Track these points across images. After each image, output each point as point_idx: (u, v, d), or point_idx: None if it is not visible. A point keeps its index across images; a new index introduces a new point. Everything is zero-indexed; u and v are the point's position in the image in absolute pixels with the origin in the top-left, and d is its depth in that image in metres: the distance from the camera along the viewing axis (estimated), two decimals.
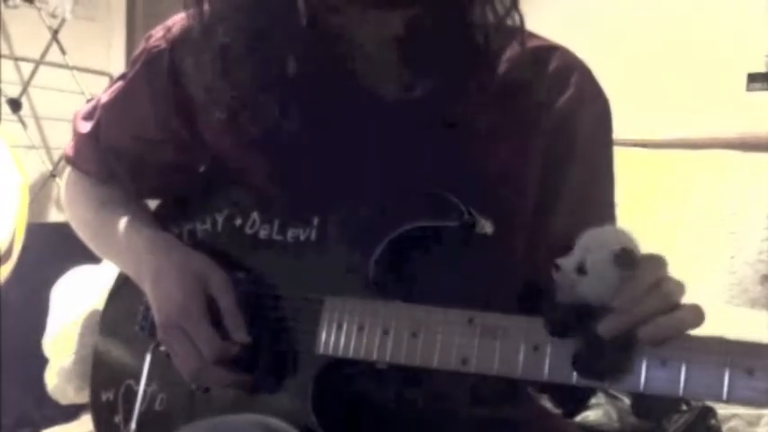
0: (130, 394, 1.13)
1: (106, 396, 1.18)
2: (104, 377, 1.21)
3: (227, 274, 1.04)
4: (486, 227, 0.96)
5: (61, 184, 1.32)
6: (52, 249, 2.58)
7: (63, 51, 3.41)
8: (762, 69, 2.97)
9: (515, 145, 1.06)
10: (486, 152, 1.04)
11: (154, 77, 1.12)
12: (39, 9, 3.41)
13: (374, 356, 0.95)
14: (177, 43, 1.11)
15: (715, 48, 2.97)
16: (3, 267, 2.56)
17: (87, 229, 1.23)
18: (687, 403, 2.16)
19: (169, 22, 1.15)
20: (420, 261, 0.99)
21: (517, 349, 0.87)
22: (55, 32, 3.45)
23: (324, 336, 0.98)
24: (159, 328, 1.03)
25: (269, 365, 1.01)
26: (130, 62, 1.18)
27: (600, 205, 1.11)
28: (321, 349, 0.98)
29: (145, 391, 1.11)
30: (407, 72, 1.05)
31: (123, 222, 1.16)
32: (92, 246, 1.24)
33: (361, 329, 0.96)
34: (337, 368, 0.99)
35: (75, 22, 3.48)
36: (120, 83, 1.19)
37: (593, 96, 1.09)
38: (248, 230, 1.09)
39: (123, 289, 1.23)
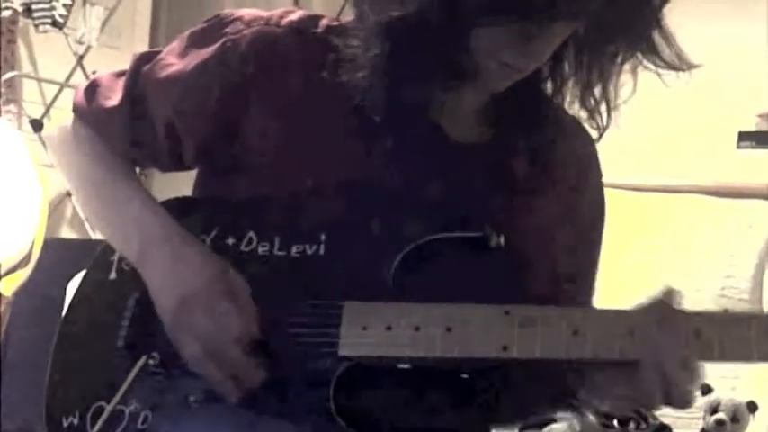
0: (101, 417, 1.06)
1: (69, 421, 1.09)
2: (67, 399, 1.11)
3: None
4: (500, 241, 1.03)
5: (53, 135, 1.26)
6: (63, 265, 2.66)
7: (87, 77, 3.54)
8: (752, 128, 3.11)
9: (548, 207, 1.14)
10: (521, 203, 1.12)
11: (225, 70, 1.09)
12: (66, 35, 3.56)
13: (406, 353, 0.97)
14: (257, 43, 1.09)
15: (708, 107, 3.10)
16: (20, 272, 2.65)
17: (90, 187, 1.19)
18: (645, 420, 2.25)
19: (245, 15, 1.12)
20: (436, 271, 1.03)
21: (559, 334, 0.94)
22: (80, 58, 3.59)
23: (346, 337, 0.99)
24: (172, 305, 1.02)
25: (286, 372, 1.01)
26: (191, 38, 1.15)
27: (589, 269, 1.21)
28: (344, 351, 0.99)
29: (122, 411, 1.05)
30: (483, 123, 1.12)
31: (140, 199, 1.13)
32: (88, 204, 1.19)
33: (390, 329, 0.97)
34: (358, 370, 1.00)
35: (99, 50, 3.62)
36: (175, 61, 1.14)
37: (600, 184, 1.22)
38: (244, 248, 1.07)
39: (87, 302, 1.17)
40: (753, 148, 3.07)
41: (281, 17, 1.11)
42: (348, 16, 1.09)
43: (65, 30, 3.52)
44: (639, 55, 1.03)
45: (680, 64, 1.03)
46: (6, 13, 3.36)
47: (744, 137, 3.09)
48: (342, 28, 1.08)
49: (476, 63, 1.01)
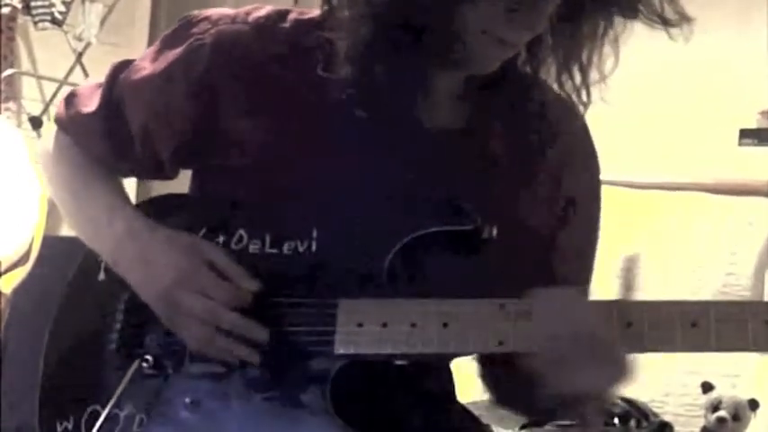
0: (96, 421, 1.05)
1: (63, 426, 1.09)
2: (60, 404, 1.12)
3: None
4: (492, 232, 1.02)
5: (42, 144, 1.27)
6: (62, 262, 2.66)
7: (86, 74, 3.54)
8: (753, 125, 3.10)
9: (533, 187, 1.13)
10: (503, 185, 1.11)
11: (191, 69, 1.09)
12: (66, 32, 3.55)
13: (403, 350, 0.97)
14: (223, 42, 1.07)
15: (710, 104, 3.09)
16: (19, 270, 2.65)
17: (68, 194, 1.20)
18: (646, 418, 2.25)
19: (212, 14, 1.12)
20: (429, 264, 1.03)
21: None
22: (79, 55, 3.58)
23: (342, 336, 0.99)
24: (158, 300, 1.03)
25: (282, 371, 1.02)
26: (163, 41, 1.15)
27: (585, 248, 1.19)
28: (340, 349, 0.99)
29: (117, 414, 1.05)
30: (458, 107, 1.10)
31: (108, 202, 1.14)
32: (66, 211, 1.21)
33: (385, 326, 0.97)
34: (355, 367, 1.00)
35: (99, 47, 3.61)
36: (148, 65, 1.14)
37: (593, 160, 1.19)
38: (234, 246, 1.07)
39: (77, 304, 1.18)
40: (754, 145, 3.06)
41: (248, 14, 1.10)
42: (316, 9, 1.08)
43: (64, 27, 3.51)
44: (631, 13, 1.01)
45: (679, 20, 1.00)
46: (5, 10, 3.35)
47: (745, 134, 3.08)
48: (314, 21, 1.07)
49: (466, 43, 1.00)
